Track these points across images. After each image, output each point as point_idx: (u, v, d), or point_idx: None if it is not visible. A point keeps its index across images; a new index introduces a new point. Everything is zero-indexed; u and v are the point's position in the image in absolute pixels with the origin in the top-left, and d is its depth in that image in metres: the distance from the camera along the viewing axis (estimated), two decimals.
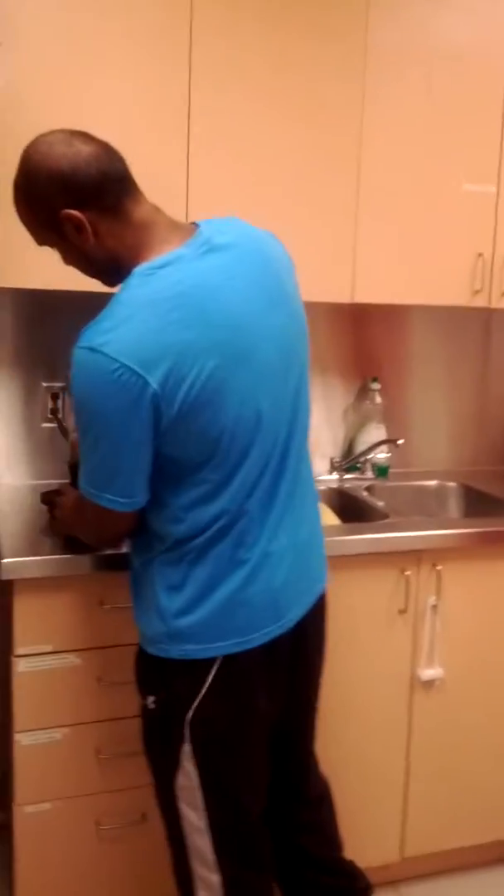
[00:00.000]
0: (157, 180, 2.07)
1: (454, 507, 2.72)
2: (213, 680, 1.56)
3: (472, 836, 2.40)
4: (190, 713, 1.57)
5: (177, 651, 1.57)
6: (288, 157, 2.19)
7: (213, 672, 1.56)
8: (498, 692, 2.32)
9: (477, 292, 2.42)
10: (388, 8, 2.23)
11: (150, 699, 1.64)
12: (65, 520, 1.85)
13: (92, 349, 1.39)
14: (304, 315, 1.67)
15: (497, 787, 2.38)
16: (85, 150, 1.45)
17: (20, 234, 1.50)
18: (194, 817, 1.63)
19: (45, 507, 2.01)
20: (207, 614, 1.54)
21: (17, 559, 1.83)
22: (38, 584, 1.85)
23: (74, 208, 1.44)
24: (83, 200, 1.44)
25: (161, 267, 1.45)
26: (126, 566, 1.72)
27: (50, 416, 2.42)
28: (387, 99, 2.27)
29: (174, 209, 2.11)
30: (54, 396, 2.43)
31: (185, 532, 1.53)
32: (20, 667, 1.87)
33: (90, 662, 1.91)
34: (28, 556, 1.86)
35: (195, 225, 1.55)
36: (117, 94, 2.04)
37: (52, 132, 1.49)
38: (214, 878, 1.64)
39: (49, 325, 2.42)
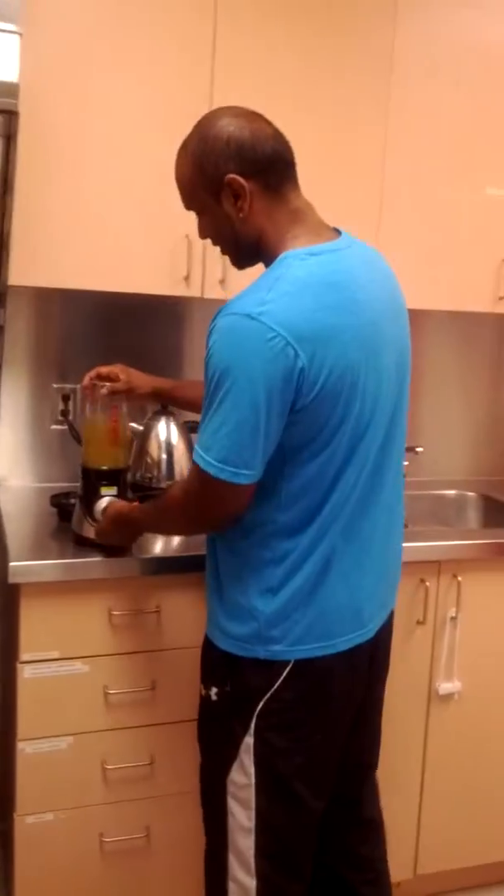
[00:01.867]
0: (175, 183, 2.05)
1: (473, 517, 2.67)
2: (287, 676, 1.54)
3: (487, 855, 2.34)
4: (260, 705, 1.55)
5: (263, 651, 1.54)
6: (311, 157, 2.10)
7: (288, 669, 1.54)
8: None
9: (501, 298, 2.38)
10: (417, 5, 2.20)
11: (214, 690, 1.62)
12: (145, 519, 1.75)
13: (249, 316, 1.39)
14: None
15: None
16: (267, 128, 1.52)
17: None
18: (243, 816, 1.59)
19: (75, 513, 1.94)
20: (301, 618, 1.52)
21: (25, 563, 1.79)
22: (45, 589, 1.81)
23: (241, 176, 1.47)
24: (252, 172, 1.48)
25: (317, 254, 1.48)
26: (151, 570, 1.74)
27: (60, 418, 2.38)
28: (413, 99, 2.23)
29: (192, 213, 2.09)
30: (65, 398, 2.39)
31: (287, 523, 1.50)
32: (25, 673, 1.82)
33: (98, 670, 1.87)
34: (36, 559, 1.82)
35: (336, 230, 1.59)
36: (140, 90, 2.01)
37: (236, 107, 1.53)
38: (251, 883, 1.60)
39: (61, 326, 2.38)
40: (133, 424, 2.35)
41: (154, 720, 1.93)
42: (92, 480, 1.88)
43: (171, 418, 2.35)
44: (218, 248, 1.63)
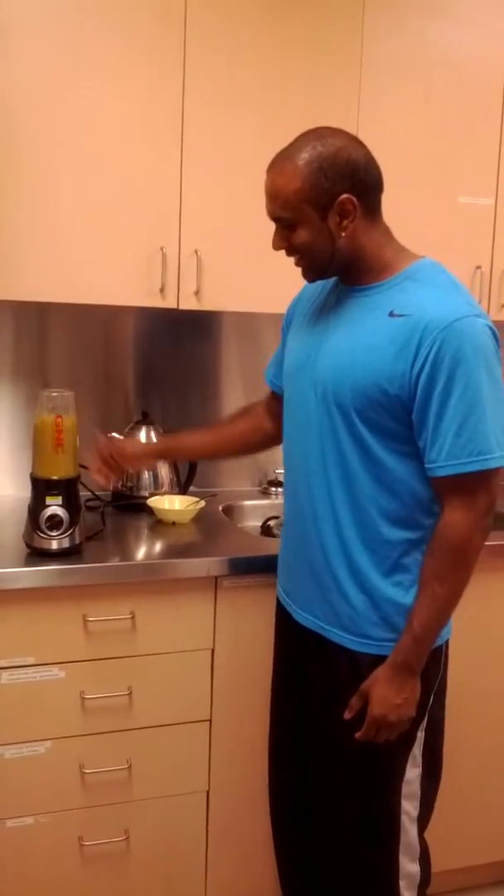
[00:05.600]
0: (149, 192, 2.09)
1: None
2: (444, 660, 1.64)
3: (481, 855, 2.35)
4: (434, 687, 1.61)
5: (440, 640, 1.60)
6: None
7: (444, 653, 1.64)
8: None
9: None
10: (385, 20, 2.23)
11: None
12: (431, 612, 1.52)
13: (478, 316, 1.46)
14: None
15: (501, 806, 2.32)
16: (370, 155, 1.55)
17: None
18: (411, 808, 1.63)
19: None
20: None
21: (1, 570, 1.82)
22: (21, 596, 1.84)
23: (355, 197, 1.51)
24: (361, 193, 1.51)
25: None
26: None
27: None
28: (382, 111, 2.26)
29: (166, 222, 2.13)
30: None
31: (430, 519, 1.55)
32: (2, 679, 1.85)
33: (74, 676, 1.89)
34: (11, 567, 1.85)
35: None
36: (110, 106, 2.04)
37: (341, 129, 1.56)
38: (414, 868, 1.66)
39: (51, 335, 2.42)
40: (114, 434, 2.39)
41: (131, 725, 1.95)
42: (40, 490, 1.90)
43: (152, 427, 2.39)
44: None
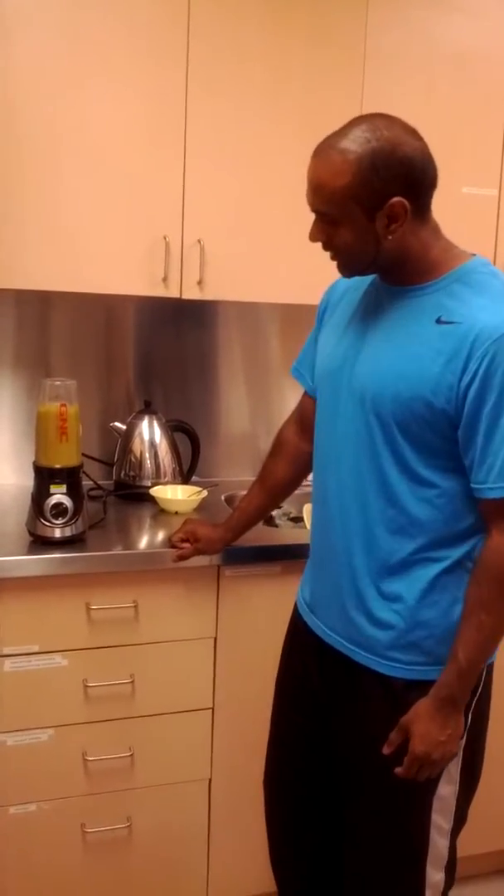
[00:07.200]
0: (152, 182, 2.09)
1: None
2: (487, 680, 1.55)
3: (482, 845, 2.34)
4: (472, 705, 1.51)
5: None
6: (285, 162, 2.18)
7: (483, 673, 1.52)
8: None
9: None
10: (388, 12, 2.22)
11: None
12: (475, 647, 1.44)
13: None
14: None
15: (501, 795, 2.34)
16: (427, 149, 1.43)
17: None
18: (443, 821, 1.55)
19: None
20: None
21: (5, 558, 1.83)
22: (25, 584, 1.85)
23: (407, 200, 1.39)
24: (413, 195, 1.40)
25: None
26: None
27: None
28: (386, 103, 2.21)
29: (169, 212, 2.13)
30: None
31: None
32: (6, 666, 1.86)
33: (77, 664, 1.90)
34: (15, 555, 1.85)
35: None
36: (113, 97, 2.04)
37: (398, 119, 1.43)
38: (439, 877, 1.58)
39: (53, 323, 2.42)
40: (116, 423, 2.40)
41: (133, 713, 1.96)
42: (43, 479, 1.91)
43: (155, 417, 2.39)
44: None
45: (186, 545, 1.91)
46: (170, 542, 1.94)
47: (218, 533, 1.91)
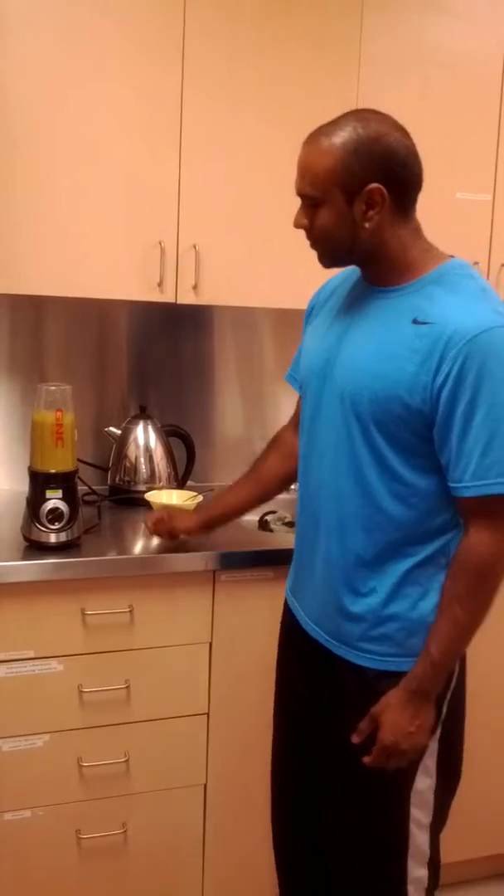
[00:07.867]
0: (147, 186, 2.09)
1: None
2: (460, 672, 1.56)
3: (472, 850, 2.35)
4: (448, 696, 1.53)
5: None
6: (280, 168, 2.16)
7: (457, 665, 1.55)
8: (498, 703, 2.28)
9: None
10: (383, 16, 2.23)
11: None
12: (449, 642, 1.46)
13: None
14: None
15: (497, 800, 2.34)
16: (414, 147, 1.48)
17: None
18: (422, 815, 1.55)
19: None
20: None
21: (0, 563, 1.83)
22: (20, 589, 1.84)
23: (386, 189, 1.43)
24: (393, 187, 1.44)
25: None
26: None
27: None
28: (380, 108, 2.23)
29: (164, 216, 2.13)
30: None
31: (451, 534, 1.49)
32: (1, 672, 1.85)
33: (72, 669, 1.90)
34: (10, 560, 1.85)
35: None
36: (108, 100, 2.04)
37: (390, 116, 1.49)
38: (422, 873, 1.58)
39: (47, 328, 2.42)
40: (111, 428, 2.40)
41: (128, 718, 1.96)
42: (39, 484, 1.91)
43: (149, 422, 2.39)
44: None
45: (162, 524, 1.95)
46: (145, 524, 1.97)
47: (194, 519, 1.96)
